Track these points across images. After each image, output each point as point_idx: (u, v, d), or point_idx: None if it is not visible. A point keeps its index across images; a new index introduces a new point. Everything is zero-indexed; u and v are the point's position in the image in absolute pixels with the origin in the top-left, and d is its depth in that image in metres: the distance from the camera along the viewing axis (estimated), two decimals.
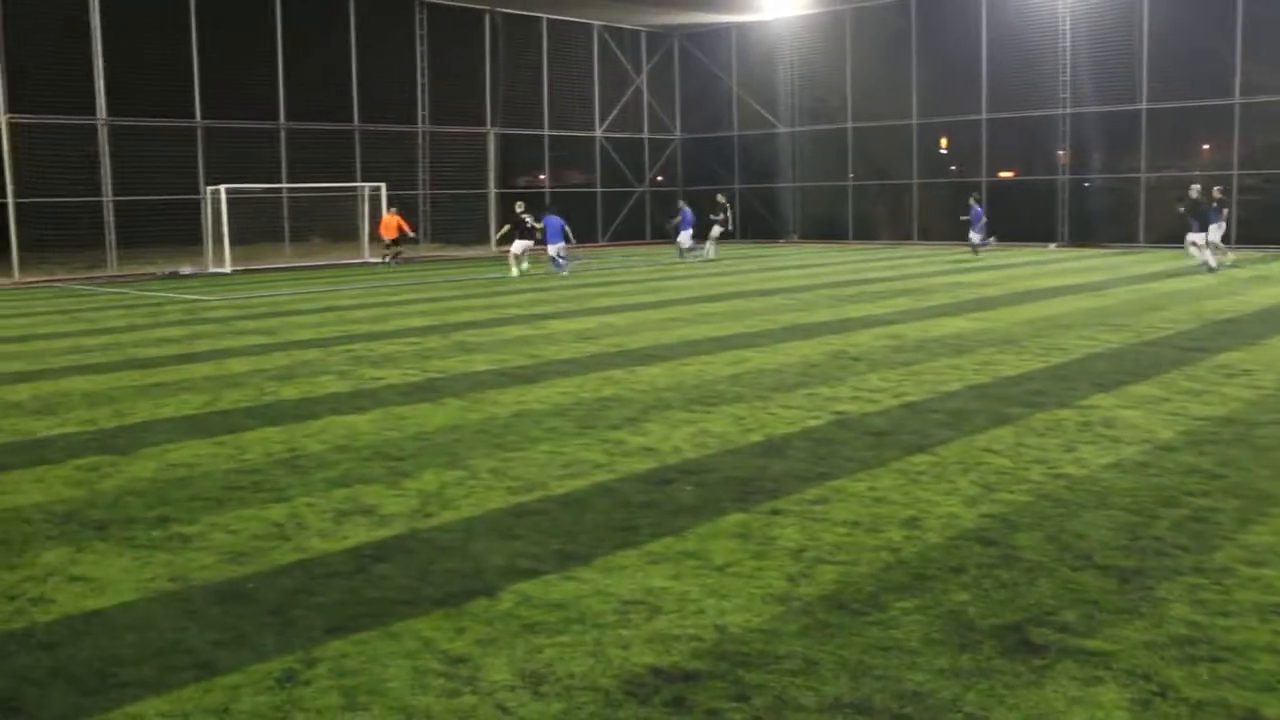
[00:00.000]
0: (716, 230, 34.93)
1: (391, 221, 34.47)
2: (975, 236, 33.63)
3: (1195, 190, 26.38)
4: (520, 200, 30.89)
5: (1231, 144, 35.22)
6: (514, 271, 28.68)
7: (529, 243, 29.01)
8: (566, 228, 29.04)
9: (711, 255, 34.95)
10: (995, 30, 38.90)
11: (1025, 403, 10.50)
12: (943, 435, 9.19)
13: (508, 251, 29.81)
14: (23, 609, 5.63)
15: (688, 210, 35.03)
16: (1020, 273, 26.72)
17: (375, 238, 36.01)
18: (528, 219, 28.99)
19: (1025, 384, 11.51)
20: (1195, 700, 4.38)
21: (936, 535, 6.53)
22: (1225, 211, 27.46)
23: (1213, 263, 26.02)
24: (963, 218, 34.41)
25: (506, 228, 29.82)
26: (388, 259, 34.78)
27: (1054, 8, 37.65)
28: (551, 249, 29.05)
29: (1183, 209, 26.60)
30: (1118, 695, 4.43)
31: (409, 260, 36.10)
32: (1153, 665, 4.70)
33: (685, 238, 34.37)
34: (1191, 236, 26.51)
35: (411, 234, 35.19)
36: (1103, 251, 35.18)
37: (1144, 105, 36.14)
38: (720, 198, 36.40)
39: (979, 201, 34.79)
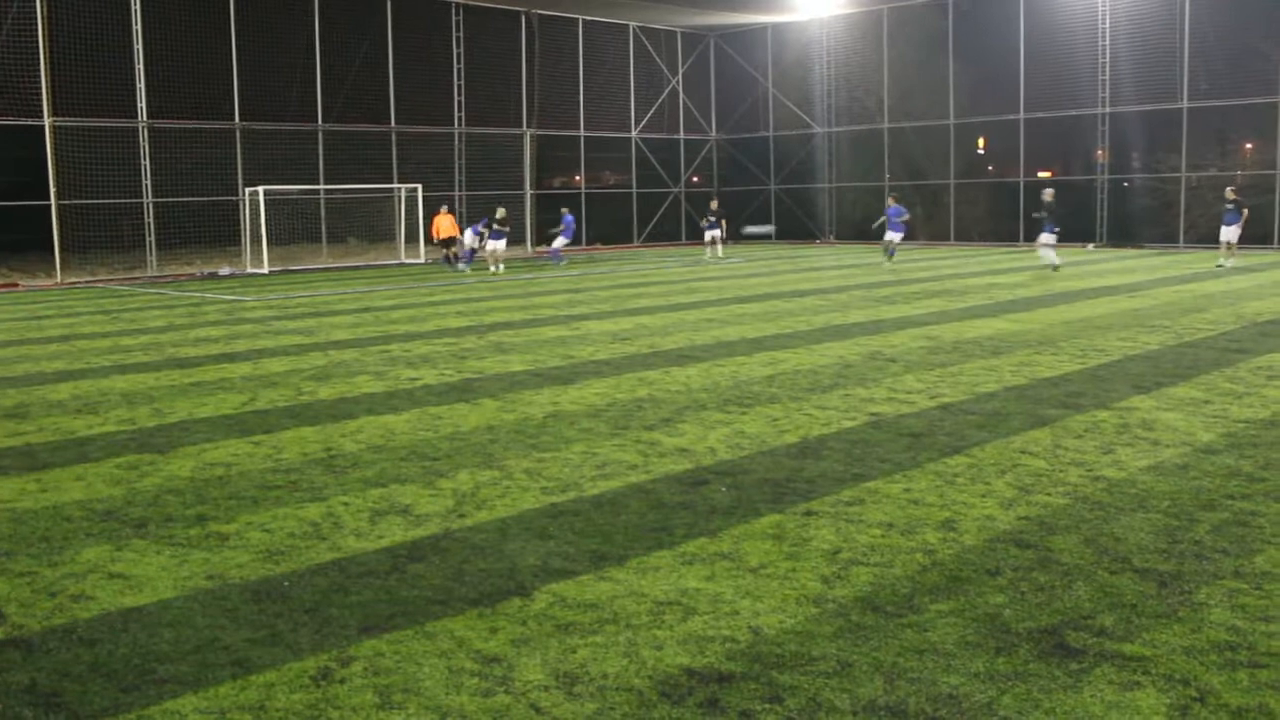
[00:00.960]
0: (713, 234, 35.71)
1: (444, 222, 34.55)
2: (894, 236, 31.48)
3: (1048, 194, 27.46)
4: (502, 207, 34.11)
5: (1275, 143, 34.78)
6: (494, 268, 31.74)
7: (502, 242, 32.21)
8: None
9: (720, 256, 35.57)
10: (1033, 29, 38.60)
11: (1062, 404, 10.41)
12: (979, 437, 9.13)
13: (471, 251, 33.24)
14: (63, 605, 5.70)
15: (569, 216, 35.40)
16: (1058, 274, 26.50)
17: (429, 240, 36.07)
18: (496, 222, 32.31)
19: (1063, 385, 11.42)
20: (1235, 707, 4.33)
21: (972, 537, 6.49)
22: (1245, 212, 27.11)
23: (1057, 261, 27.16)
24: (879, 220, 32.53)
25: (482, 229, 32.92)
26: (451, 259, 33.97)
27: (1093, 6, 37.32)
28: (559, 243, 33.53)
29: (1037, 214, 27.61)
30: (1156, 700, 4.38)
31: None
32: (1192, 670, 4.65)
33: (560, 243, 35.07)
34: (1043, 238, 27.09)
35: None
36: (1142, 252, 34.85)
37: (1184, 104, 35.76)
38: (713, 203, 36.88)
39: (899, 200, 32.99)
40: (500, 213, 32.88)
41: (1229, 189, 27.83)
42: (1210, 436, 8.96)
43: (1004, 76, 39.34)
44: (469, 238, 33.57)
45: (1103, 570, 5.89)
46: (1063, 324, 16.54)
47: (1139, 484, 7.58)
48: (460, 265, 32.43)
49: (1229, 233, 26.82)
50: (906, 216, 32.10)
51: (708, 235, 36.16)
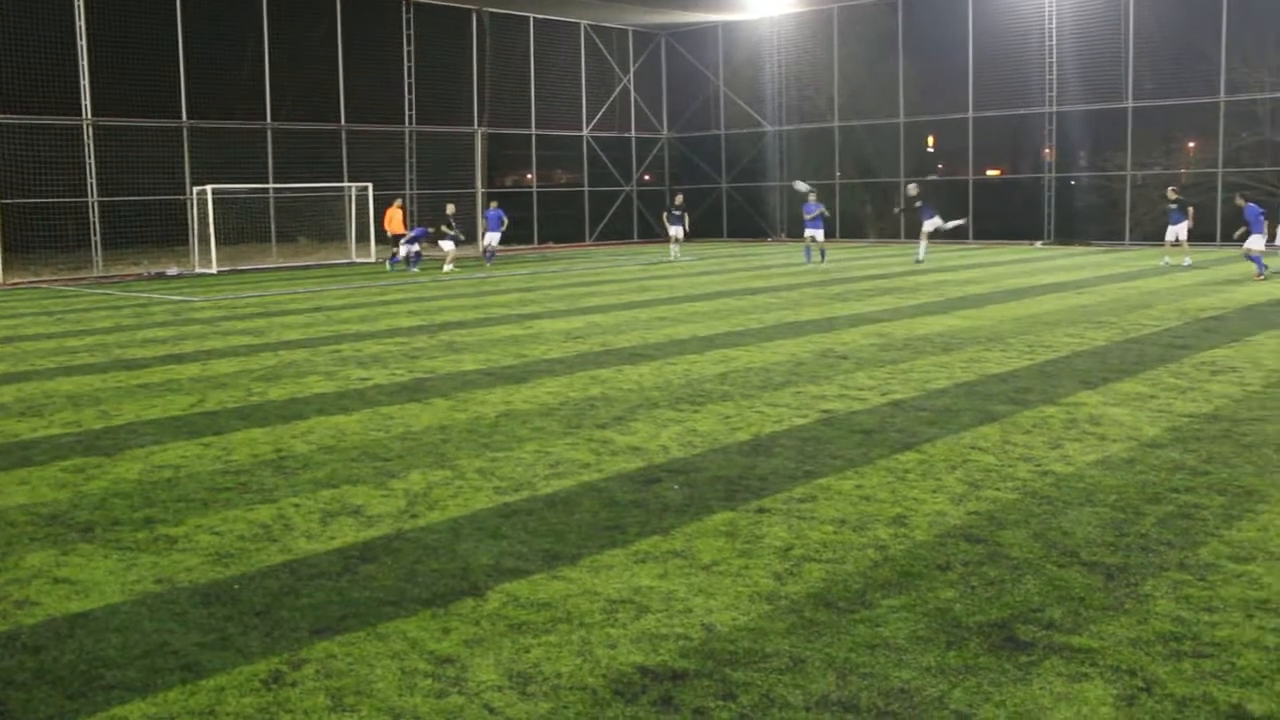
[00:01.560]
0: (676, 230, 35.04)
1: (396, 214, 34.29)
2: (814, 233, 30.56)
3: (913, 188, 29.09)
4: (451, 203, 34.36)
5: (1217, 142, 35.36)
6: (446, 267, 31.95)
7: (452, 244, 32.46)
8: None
9: (677, 256, 35.02)
10: (981, 28, 39.00)
11: (1012, 400, 10.53)
12: (930, 433, 9.21)
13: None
14: (7, 612, 5.61)
15: (495, 211, 34.01)
16: (1006, 270, 26.79)
17: (380, 235, 35.76)
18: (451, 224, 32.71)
19: (1012, 381, 11.54)
20: (1181, 696, 4.39)
21: (923, 533, 6.55)
22: (1191, 210, 27.47)
23: (921, 255, 28.87)
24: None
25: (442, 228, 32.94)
26: (407, 259, 32.54)
27: (1040, 6, 37.77)
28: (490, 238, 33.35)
29: (898, 209, 29.42)
30: (1103, 691, 4.44)
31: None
32: (1138, 661, 4.72)
33: (493, 238, 34.18)
34: (926, 227, 29.87)
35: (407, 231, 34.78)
36: (1088, 249, 35.30)
37: (1129, 103, 36.26)
38: (678, 199, 36.42)
39: (817, 199, 32.14)
40: (450, 209, 32.99)
41: (1170, 189, 28.20)
42: (1155, 431, 9.09)
43: (953, 75, 39.71)
44: (406, 247, 32.42)
45: (1051, 564, 5.96)
46: (1012, 320, 16.72)
47: (1086, 478, 7.68)
48: (412, 267, 32.17)
49: (1176, 231, 27.13)
50: (821, 211, 30.79)
51: (673, 231, 35.13)
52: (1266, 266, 23.64)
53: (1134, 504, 7.03)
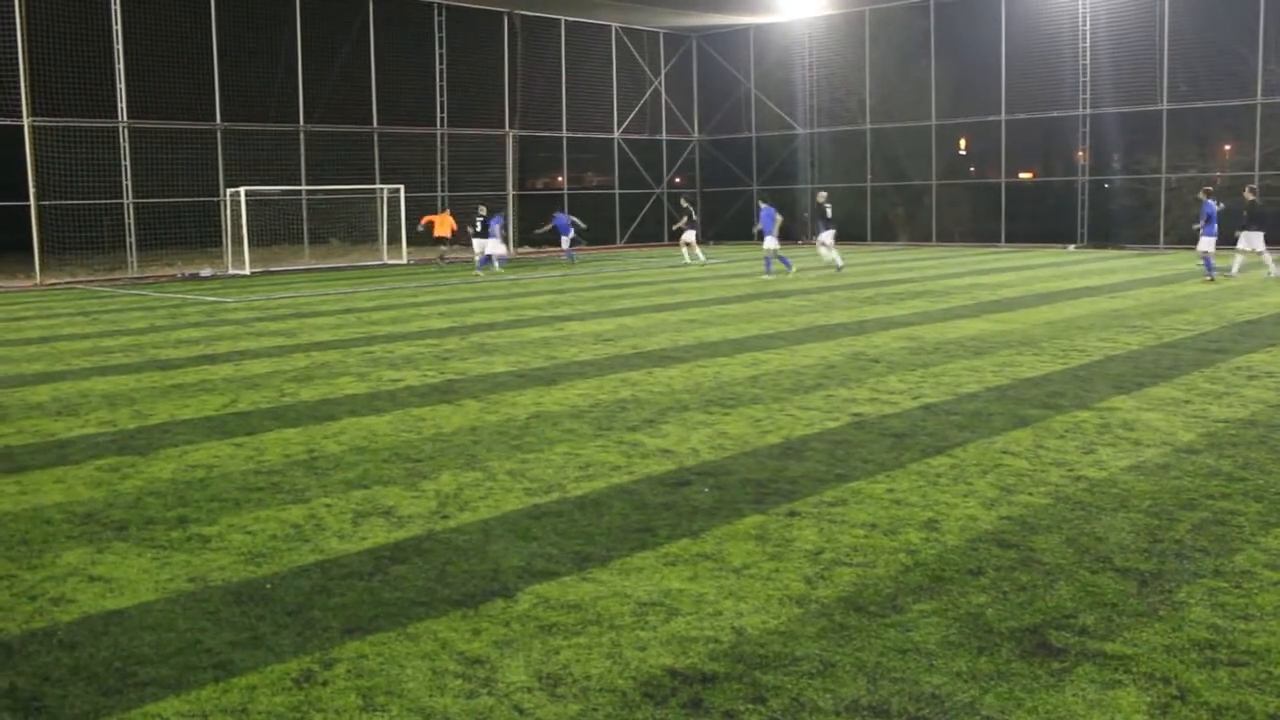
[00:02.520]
0: (691, 235, 33.41)
1: (448, 220, 35.07)
2: (772, 244, 27.82)
3: (822, 196, 29.25)
4: (482, 205, 34.44)
5: (1253, 144, 35.00)
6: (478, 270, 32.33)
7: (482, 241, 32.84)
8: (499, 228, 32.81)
9: (700, 258, 33.79)
10: (1014, 30, 38.75)
11: (1044, 404, 10.46)
12: (961, 437, 9.16)
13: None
14: (44, 609, 5.67)
15: (497, 219, 33.68)
16: (1039, 274, 26.62)
17: (417, 237, 36.43)
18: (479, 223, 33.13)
19: (1044, 386, 11.47)
20: (1216, 705, 4.35)
21: (955, 537, 6.51)
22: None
23: (840, 262, 28.75)
24: (757, 227, 29.62)
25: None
26: (441, 261, 35.03)
27: (1074, 8, 37.49)
28: (493, 246, 32.28)
29: (807, 213, 29.71)
30: (1137, 699, 4.41)
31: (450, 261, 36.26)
32: (1172, 669, 4.67)
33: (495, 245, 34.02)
34: (821, 237, 29.88)
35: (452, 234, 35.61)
36: (1122, 253, 35.01)
37: (1164, 105, 35.95)
38: (683, 201, 35.21)
39: (769, 202, 31.35)
40: (482, 210, 33.22)
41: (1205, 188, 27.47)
42: (1190, 436, 9.01)
43: (985, 78, 39.50)
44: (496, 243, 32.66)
45: (1084, 570, 5.91)
46: (1044, 324, 16.61)
47: (1120, 484, 7.62)
48: (496, 265, 32.41)
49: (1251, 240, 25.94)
50: (779, 219, 28.22)
51: (687, 236, 33.65)
52: (1215, 269, 23.81)
53: (1168, 510, 6.97)
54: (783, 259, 27.97)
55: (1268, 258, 24.32)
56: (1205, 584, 5.67)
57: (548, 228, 37.09)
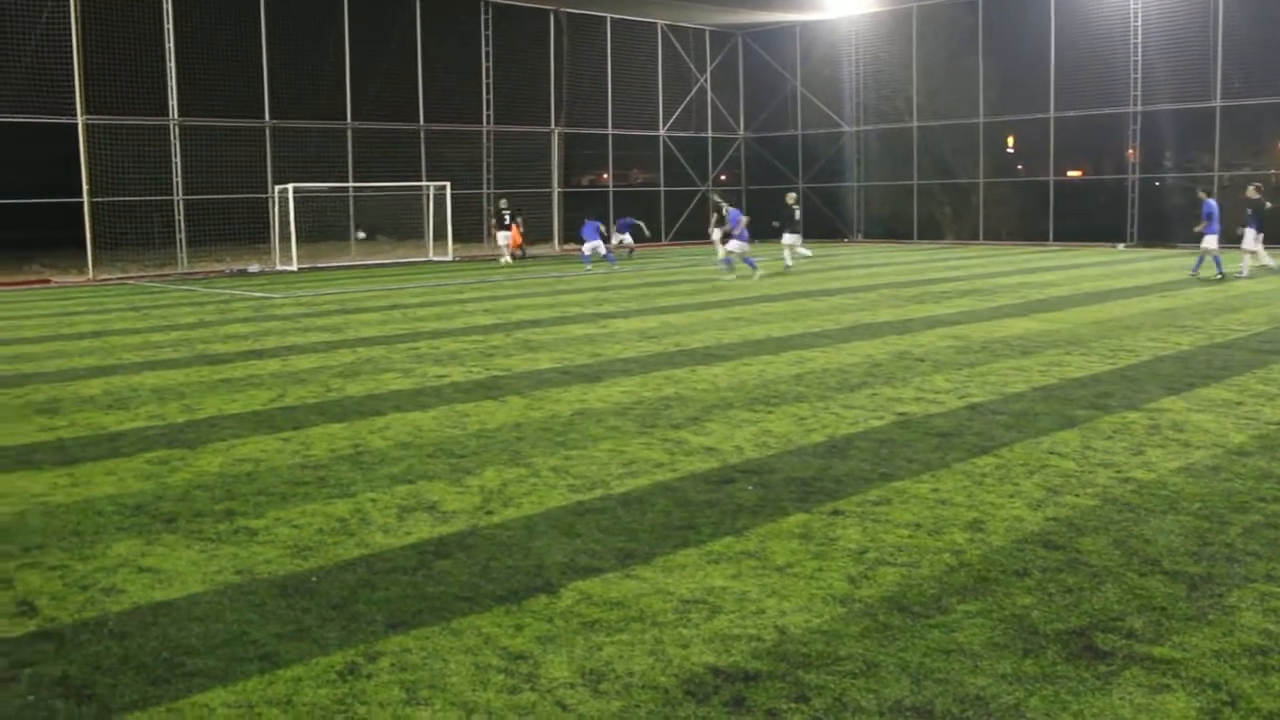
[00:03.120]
0: (718, 234, 32.28)
1: (516, 234, 36.54)
2: (740, 246, 26.75)
3: (791, 198, 30.05)
4: (504, 198, 36.41)
5: None
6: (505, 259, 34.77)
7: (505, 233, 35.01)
8: (602, 228, 32.35)
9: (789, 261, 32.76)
10: (1064, 26, 38.32)
11: (1092, 405, 10.34)
12: (1007, 437, 9.08)
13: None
14: (95, 599, 5.75)
15: (626, 220, 34.28)
16: (1088, 273, 26.33)
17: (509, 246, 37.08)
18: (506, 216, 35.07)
19: (1092, 386, 11.34)
20: (1268, 711, 4.29)
21: (1000, 538, 6.46)
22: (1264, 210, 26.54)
23: (789, 262, 29.25)
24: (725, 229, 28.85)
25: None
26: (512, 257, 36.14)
27: (1124, 3, 37.00)
28: (593, 246, 31.74)
29: (777, 223, 30.21)
30: (1186, 704, 4.35)
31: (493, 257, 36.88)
32: (1222, 674, 4.61)
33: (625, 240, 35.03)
34: (785, 239, 29.90)
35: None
36: (1174, 252, 34.54)
37: (1218, 102, 35.41)
38: (714, 196, 34.90)
39: (733, 204, 31.58)
40: (502, 203, 34.37)
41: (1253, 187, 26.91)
42: (1242, 438, 8.88)
43: (1034, 74, 39.08)
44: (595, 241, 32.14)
45: (1132, 572, 5.84)
46: (1093, 324, 16.43)
47: (1169, 485, 7.52)
48: (612, 259, 32.54)
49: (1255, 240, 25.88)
50: (745, 220, 27.14)
51: (716, 234, 32.73)
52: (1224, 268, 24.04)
53: (1219, 513, 6.87)
54: (748, 260, 26.86)
55: (1262, 254, 24.75)
56: (1256, 588, 5.59)
57: (622, 237, 37.13)
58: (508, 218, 35.15)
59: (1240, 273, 24.57)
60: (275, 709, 4.46)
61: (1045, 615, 5.27)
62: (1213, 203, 24.40)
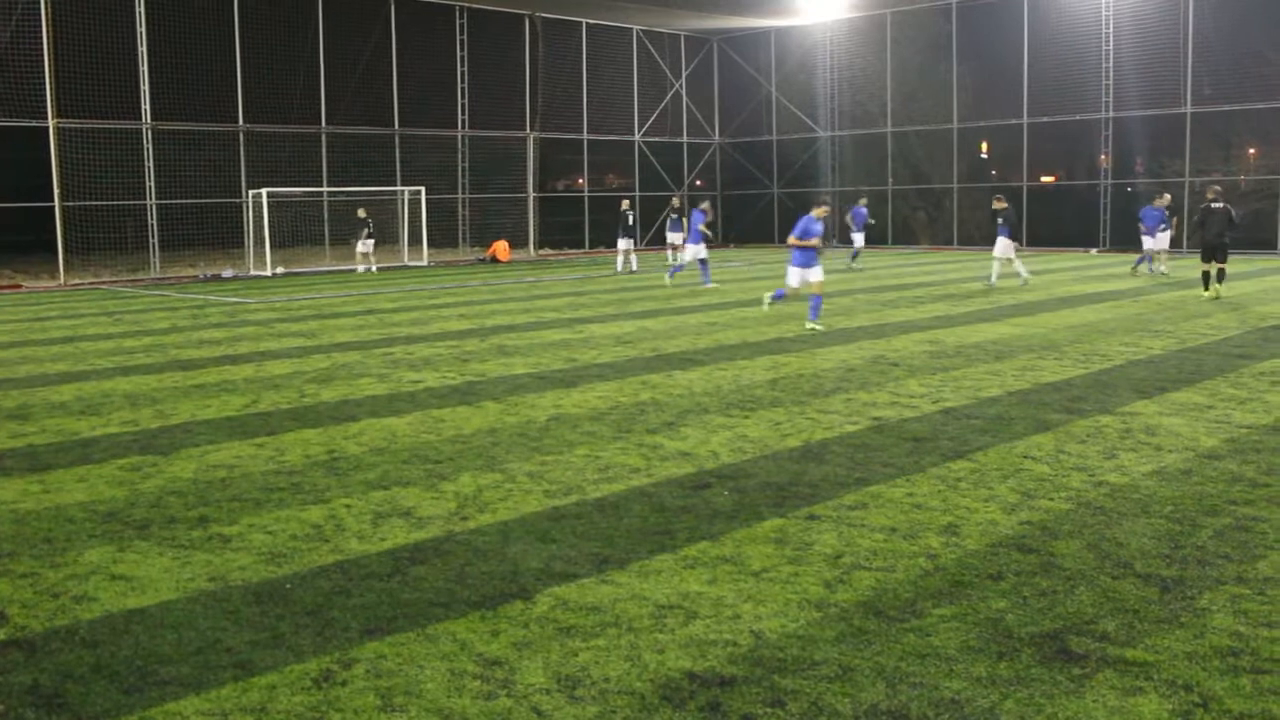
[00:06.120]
0: (677, 237, 31.59)
1: (504, 247, 37.51)
2: (696, 250, 26.56)
3: (625, 204, 31.03)
4: (361, 208, 35.24)
5: (1279, 147, 34.73)
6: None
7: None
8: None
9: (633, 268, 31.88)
10: (1037, 33, 38.56)
11: (1065, 409, 10.41)
12: (982, 442, 9.13)
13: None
14: (66, 606, 5.70)
15: (699, 213, 31.12)
16: (1060, 278, 26.49)
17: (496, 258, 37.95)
18: None
19: (1065, 390, 11.41)
20: (1238, 712, 4.32)
21: (975, 542, 6.49)
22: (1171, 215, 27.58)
23: (619, 268, 30.57)
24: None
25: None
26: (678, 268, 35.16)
27: (1096, 10, 37.26)
28: (692, 251, 27.25)
29: (629, 221, 31.06)
30: (1158, 706, 4.38)
31: (450, 262, 36.53)
32: (1194, 676, 4.64)
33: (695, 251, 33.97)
34: (620, 244, 31.18)
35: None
36: None
37: (1188, 109, 35.71)
38: (704, 204, 32.61)
39: (693, 207, 30.35)
40: (361, 213, 34.22)
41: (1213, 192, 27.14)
42: (1213, 442, 8.95)
43: (1008, 81, 39.33)
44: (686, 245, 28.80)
45: (1105, 575, 5.88)
46: (1066, 329, 16.54)
47: (1142, 489, 7.58)
48: (683, 267, 28.51)
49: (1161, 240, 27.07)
50: (702, 223, 26.41)
51: (671, 239, 31.79)
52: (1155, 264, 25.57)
53: (1191, 516, 6.93)
54: (703, 264, 26.42)
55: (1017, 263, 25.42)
56: (1228, 590, 5.63)
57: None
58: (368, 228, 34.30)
59: (989, 279, 25.23)
60: (249, 716, 4.43)
61: (1019, 619, 5.30)
62: (1153, 208, 26.32)
